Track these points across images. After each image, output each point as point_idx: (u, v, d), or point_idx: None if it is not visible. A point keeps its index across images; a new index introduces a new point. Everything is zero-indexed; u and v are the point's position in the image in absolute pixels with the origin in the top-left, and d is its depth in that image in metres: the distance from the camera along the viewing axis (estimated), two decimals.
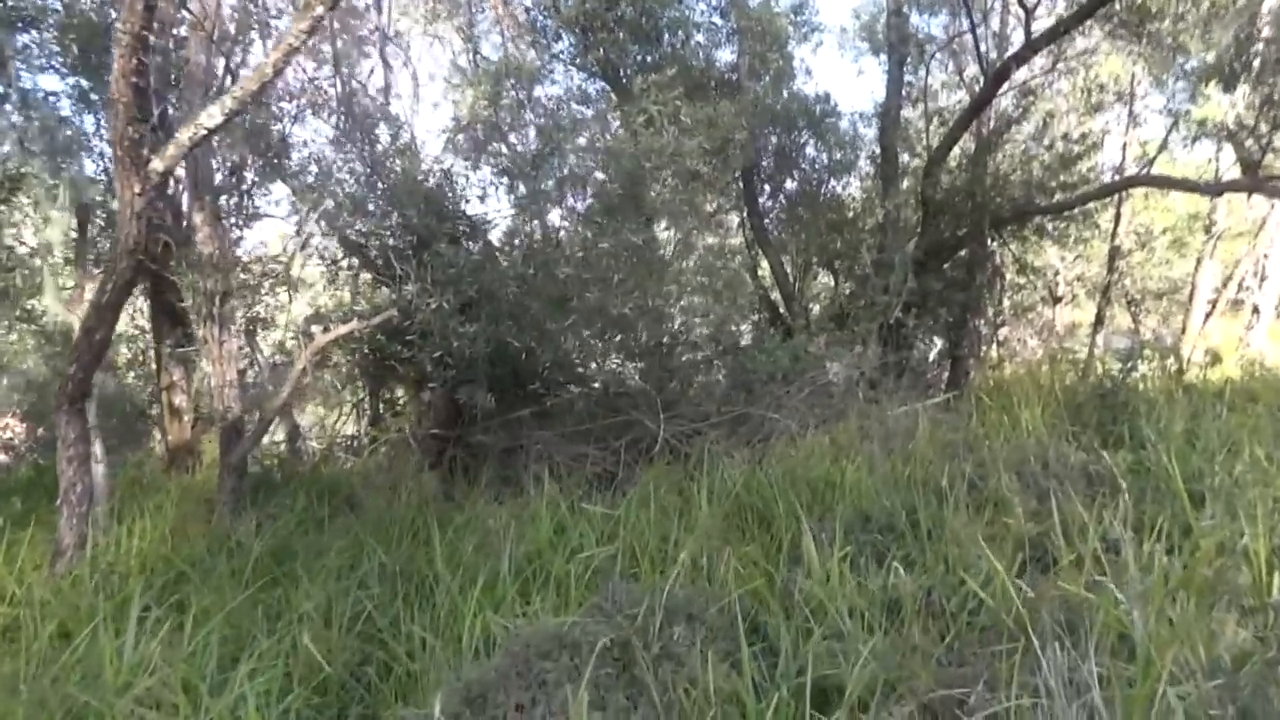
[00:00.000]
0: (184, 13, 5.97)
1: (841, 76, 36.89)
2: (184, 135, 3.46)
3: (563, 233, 6.54)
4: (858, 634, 3.15)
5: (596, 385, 7.24)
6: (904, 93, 10.36)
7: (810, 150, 11.47)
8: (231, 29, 6.50)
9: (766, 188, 11.78)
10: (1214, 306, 11.42)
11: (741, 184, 11.65)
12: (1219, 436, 4.98)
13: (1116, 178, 9.45)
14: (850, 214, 10.77)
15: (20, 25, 6.91)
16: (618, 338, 6.14)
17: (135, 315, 9.94)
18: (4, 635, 4.24)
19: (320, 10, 3.14)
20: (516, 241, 6.08)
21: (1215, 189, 7.47)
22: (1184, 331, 11.15)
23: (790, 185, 11.71)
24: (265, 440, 8.94)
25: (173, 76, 6.63)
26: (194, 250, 6.14)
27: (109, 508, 6.09)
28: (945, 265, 9.48)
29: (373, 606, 4.07)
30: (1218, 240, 11.17)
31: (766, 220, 11.72)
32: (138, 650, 3.38)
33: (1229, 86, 6.50)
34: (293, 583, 4.41)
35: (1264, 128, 6.62)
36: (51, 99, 6.45)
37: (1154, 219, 11.72)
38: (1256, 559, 3.45)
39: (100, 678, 3.20)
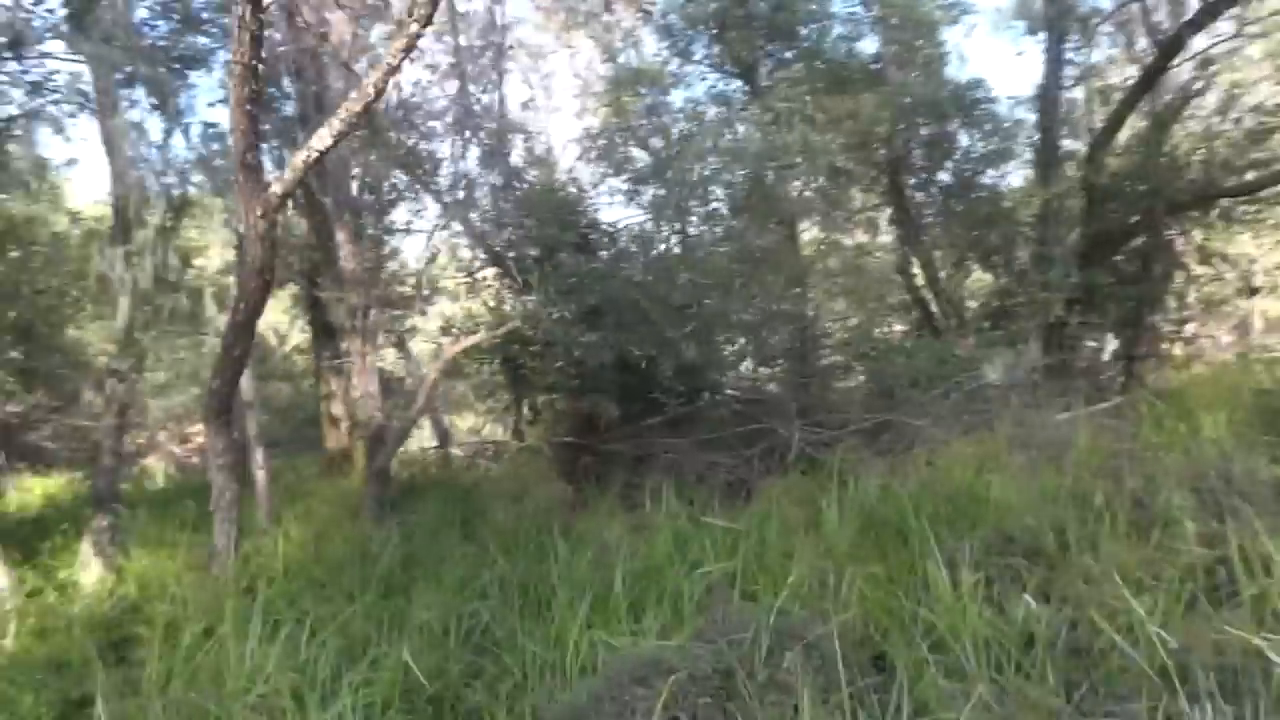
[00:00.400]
0: (323, 44, 6.27)
1: (999, 60, 34.86)
2: (298, 159, 3.59)
3: (684, 238, 6.42)
4: (982, 672, 2.85)
5: (730, 392, 7.06)
6: (1065, 73, 9.56)
7: (964, 140, 10.82)
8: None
9: (916, 181, 11.21)
10: None
11: (889, 178, 11.16)
12: None
13: None
14: (1007, 205, 10.04)
15: (192, 64, 7.48)
16: (744, 344, 5.93)
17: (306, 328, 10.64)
18: (166, 632, 4.56)
19: (415, 29, 3.17)
20: (634, 249, 5.99)
21: None
22: None
23: (942, 177, 11.10)
24: (417, 446, 9.35)
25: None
26: (337, 267, 6.46)
27: (268, 512, 6.49)
28: (1115, 257, 8.66)
29: (489, 618, 4.10)
30: None
31: (917, 215, 11.16)
32: (257, 655, 3.52)
33: None
34: (418, 591, 4.51)
35: None
36: (215, 129, 6.93)
37: None
38: None
39: (224, 681, 3.34)
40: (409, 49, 3.27)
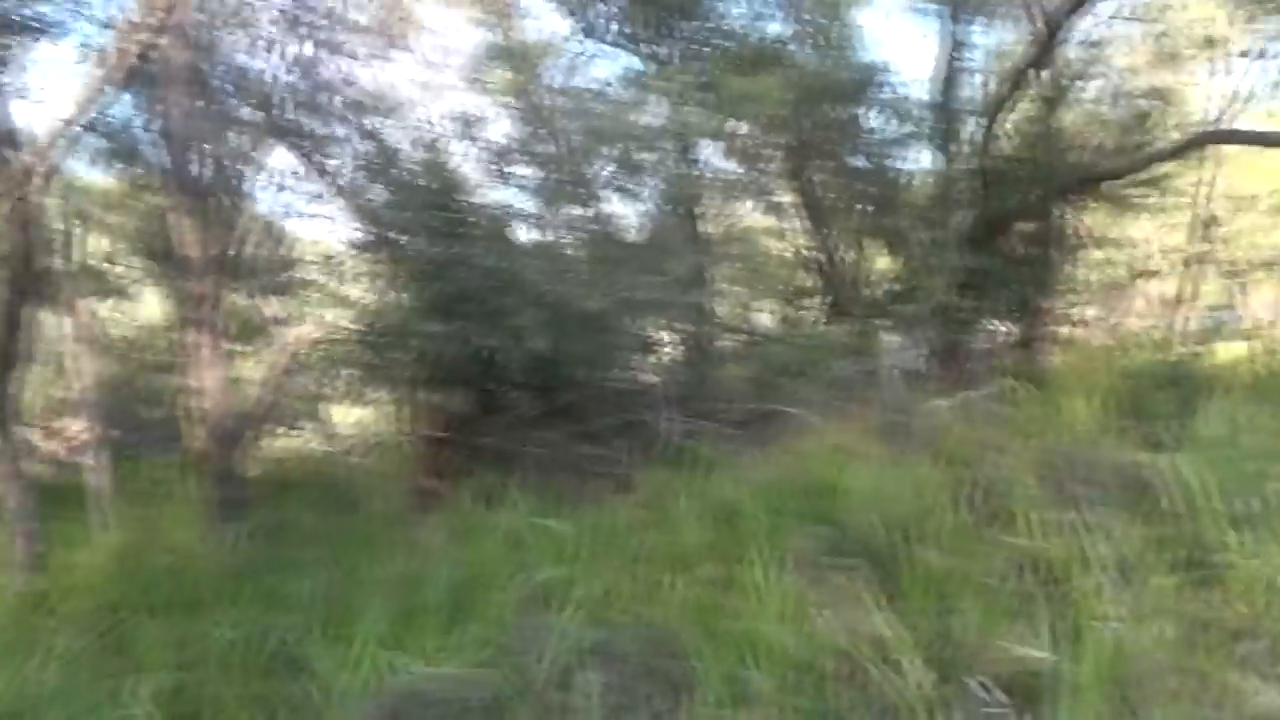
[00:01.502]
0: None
1: (913, 43, 35.04)
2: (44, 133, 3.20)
3: (560, 223, 6.11)
4: (775, 694, 2.63)
5: (604, 383, 6.80)
6: (967, 55, 9.46)
7: (871, 122, 10.69)
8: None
9: (820, 164, 11.05)
10: None
11: (793, 161, 10.98)
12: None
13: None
14: (908, 188, 9.93)
15: None
16: (614, 334, 5.66)
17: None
18: None
19: None
20: (507, 235, 5.66)
21: None
22: None
23: (845, 160, 10.96)
24: (299, 443, 8.89)
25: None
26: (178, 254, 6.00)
27: (104, 519, 6.02)
28: (1005, 240, 8.60)
29: (294, 636, 3.77)
30: None
31: (821, 198, 11.01)
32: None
33: None
34: (224, 606, 4.15)
35: None
36: None
37: (1245, 181, 10.42)
38: None
39: None
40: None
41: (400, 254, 5.30)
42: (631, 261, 6.49)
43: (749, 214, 12.88)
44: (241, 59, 7.15)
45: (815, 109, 10.65)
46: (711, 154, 11.16)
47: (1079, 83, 8.12)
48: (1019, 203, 7.88)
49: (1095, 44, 8.18)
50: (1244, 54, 8.08)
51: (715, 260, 9.96)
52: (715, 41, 10.71)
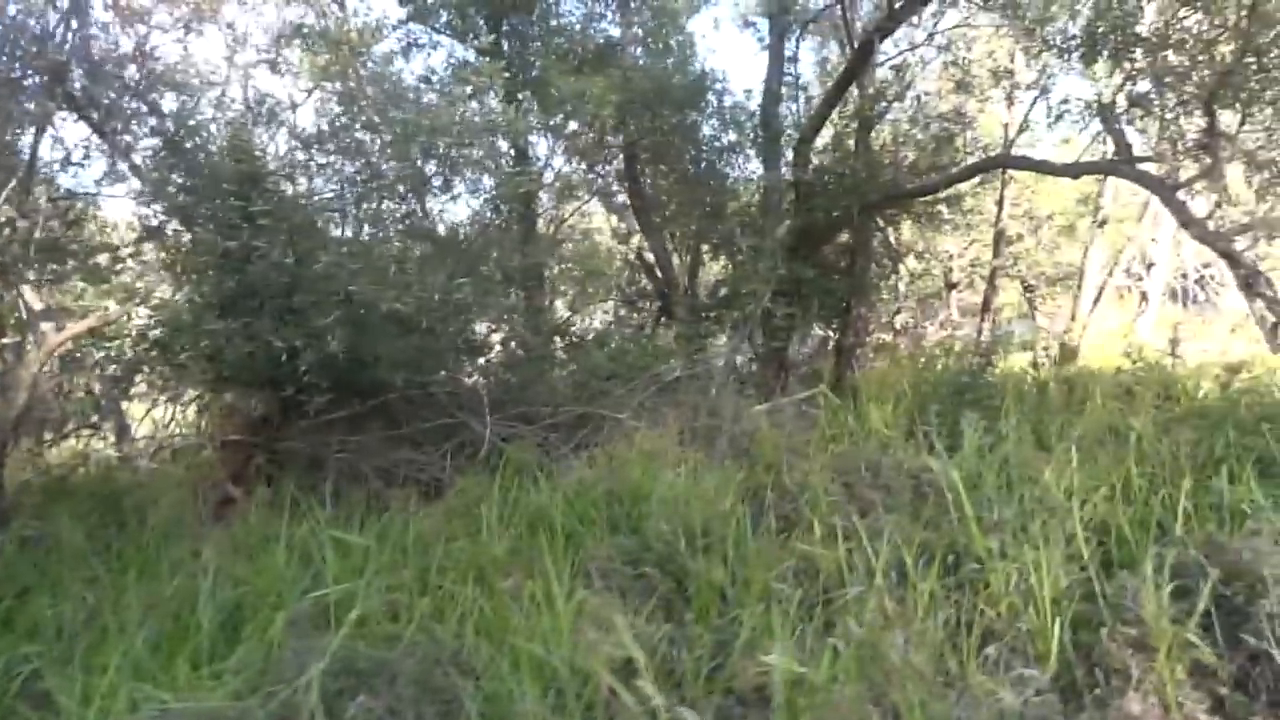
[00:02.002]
0: None
1: (745, 53, 36.38)
2: None
3: (367, 217, 5.83)
4: (541, 714, 2.58)
5: (421, 386, 6.57)
6: (791, 69, 9.82)
7: (703, 129, 10.88)
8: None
9: (651, 168, 11.18)
10: (1100, 293, 11.15)
11: (625, 163, 11.06)
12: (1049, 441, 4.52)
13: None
14: (734, 196, 10.20)
15: None
16: (421, 335, 5.45)
17: None
18: None
19: None
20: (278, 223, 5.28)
21: (1072, 171, 7.04)
22: (1073, 318, 10.87)
23: (677, 165, 11.12)
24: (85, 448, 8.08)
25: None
26: None
27: None
28: (821, 250, 8.97)
29: (42, 666, 3.40)
30: (1104, 225, 10.87)
31: (651, 202, 11.15)
32: None
33: (1089, 60, 6.05)
34: None
35: (1123, 104, 6.20)
36: None
37: (1038, 203, 11.39)
38: (1040, 603, 2.96)
39: None
40: None
41: (194, 242, 4.90)
42: (453, 260, 6.30)
43: (583, 215, 12.95)
44: (26, 19, 6.51)
45: (647, 113, 10.79)
46: (544, 152, 11.13)
47: (886, 104, 8.55)
48: (833, 215, 8.22)
49: (901, 68, 8.66)
50: (1029, 87, 8.78)
51: (545, 261, 9.91)
52: (548, 38, 10.70)
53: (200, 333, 4.60)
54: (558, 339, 7.77)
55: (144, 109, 6.80)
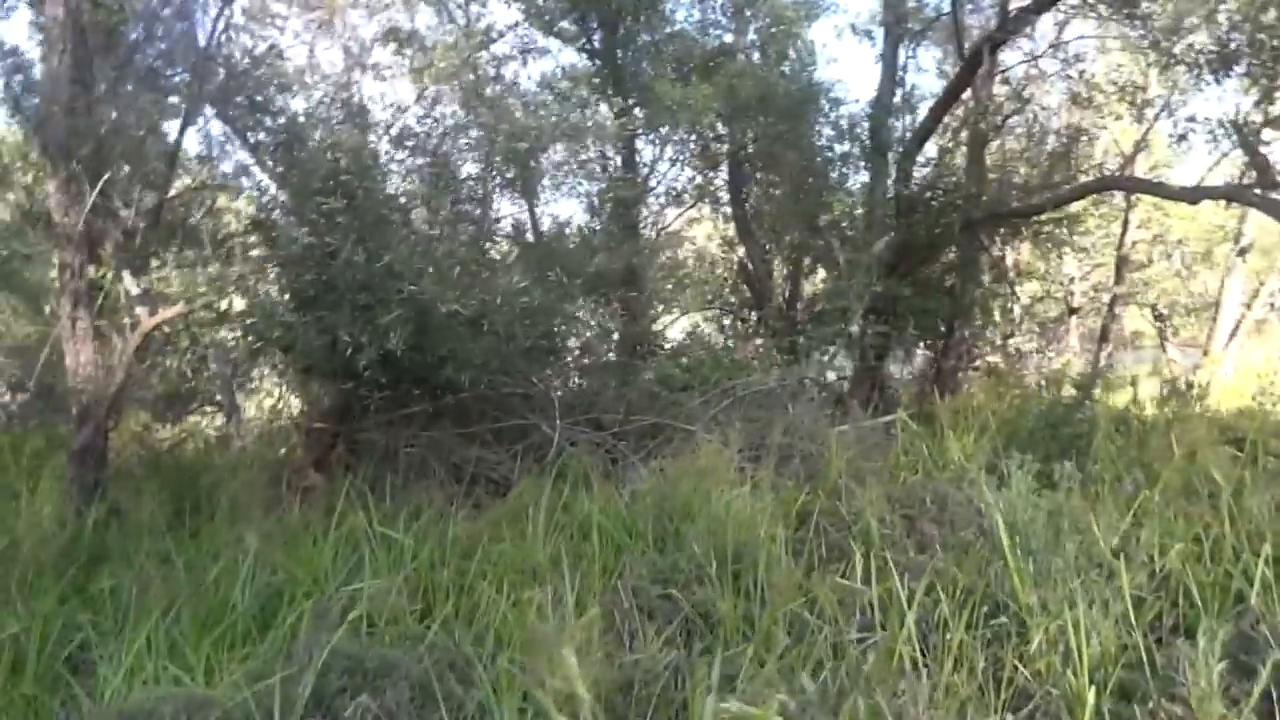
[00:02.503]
0: None
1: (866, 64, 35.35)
2: None
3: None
4: None
5: (499, 386, 6.66)
6: (901, 80, 9.47)
7: (812, 139, 10.63)
8: None
9: (757, 177, 11.03)
10: (1238, 326, 10.23)
11: (729, 171, 10.94)
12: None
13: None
14: (838, 209, 9.92)
15: None
16: (492, 337, 5.51)
17: None
18: None
19: None
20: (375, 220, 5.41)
21: (1190, 195, 6.45)
22: (1205, 353, 10.02)
23: (782, 175, 10.92)
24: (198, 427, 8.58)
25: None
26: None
27: None
28: (922, 268, 8.60)
29: (90, 636, 3.60)
30: (1245, 253, 9.98)
31: (754, 211, 11.01)
32: None
33: (1221, 74, 5.54)
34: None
35: (1258, 121, 5.64)
36: None
37: (1170, 226, 10.55)
38: (1079, 666, 2.71)
39: None
40: None
41: (280, 237, 5.12)
42: (532, 264, 6.35)
43: (690, 223, 12.91)
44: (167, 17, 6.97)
45: (754, 120, 10.64)
46: (650, 158, 11.14)
47: (999, 118, 8.12)
48: (935, 232, 7.86)
49: (1019, 82, 8.19)
50: (1154, 104, 8.12)
51: (642, 267, 9.91)
52: (661, 44, 10.69)
53: (277, 324, 4.79)
54: (637, 347, 7.72)
55: (273, 108, 7.16)
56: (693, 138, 11.26)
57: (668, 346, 7.79)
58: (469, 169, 5.92)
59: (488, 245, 5.87)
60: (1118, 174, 7.48)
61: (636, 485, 5.19)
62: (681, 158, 11.39)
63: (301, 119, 6.76)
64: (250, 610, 3.65)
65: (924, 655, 3.08)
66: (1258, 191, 5.65)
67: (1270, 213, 5.65)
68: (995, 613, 3.15)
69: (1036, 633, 2.96)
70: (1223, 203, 8.07)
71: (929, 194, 8.19)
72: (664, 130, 11.14)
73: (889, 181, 8.53)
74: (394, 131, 6.13)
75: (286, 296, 5.11)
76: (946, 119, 8.22)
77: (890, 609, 3.33)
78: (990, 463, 5.72)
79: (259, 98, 7.09)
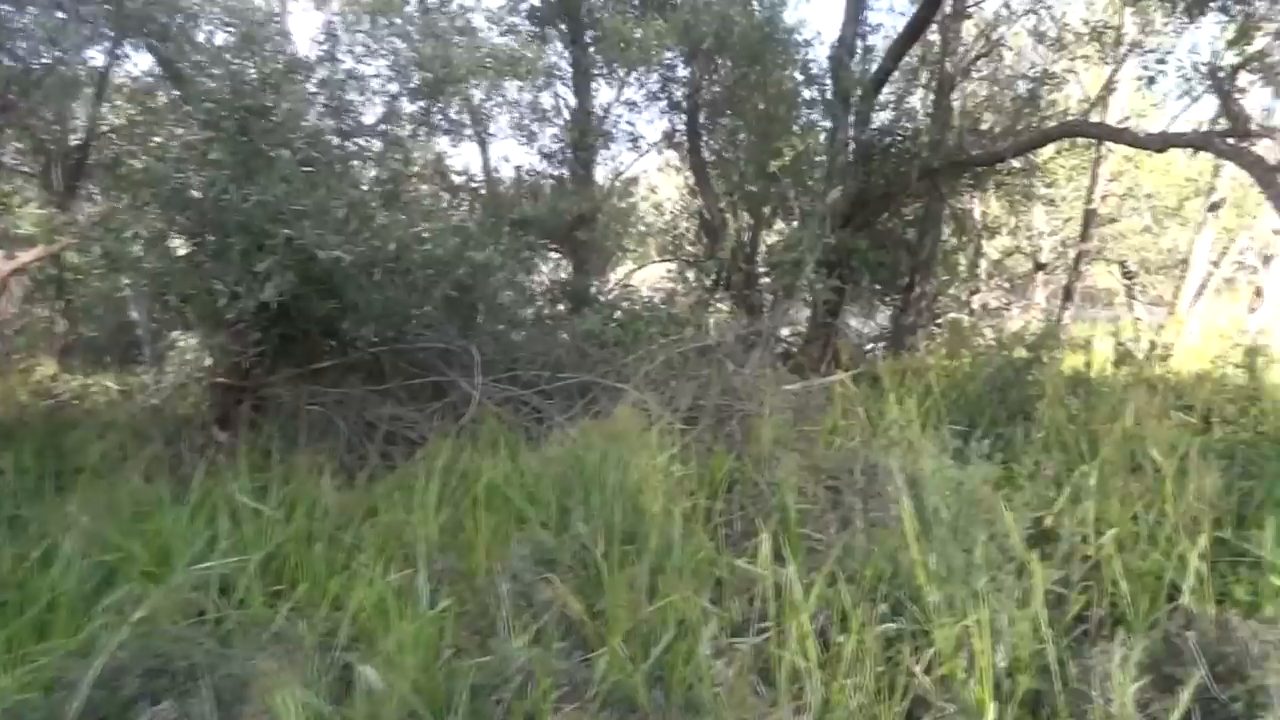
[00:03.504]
0: None
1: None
2: None
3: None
4: None
5: (421, 339, 6.24)
6: (862, 19, 8.91)
7: (770, 82, 10.07)
8: None
9: (711, 122, 10.48)
10: (1204, 285, 9.90)
11: (686, 115, 10.40)
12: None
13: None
14: (796, 156, 9.40)
15: None
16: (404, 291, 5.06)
17: None
18: None
19: None
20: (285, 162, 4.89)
21: (1158, 143, 6.01)
22: (1171, 312, 9.70)
23: (741, 120, 10.38)
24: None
25: None
26: None
27: None
28: (880, 219, 8.16)
29: None
30: (1217, 209, 9.60)
31: (712, 159, 10.48)
32: None
33: (1194, 12, 5.07)
34: None
35: (1230, 62, 5.19)
36: None
37: (1140, 180, 10.14)
38: (982, 675, 2.36)
39: None
40: None
41: (146, 172, 4.61)
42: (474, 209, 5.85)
43: (653, 170, 12.40)
44: None
45: (714, 61, 10.10)
46: (607, 101, 10.60)
47: (958, 59, 7.61)
48: (893, 180, 7.40)
49: (980, 21, 7.66)
50: (1123, 45, 7.62)
51: (590, 216, 9.43)
52: None
53: (142, 269, 4.31)
54: (579, 301, 7.28)
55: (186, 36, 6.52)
56: (653, 79, 10.74)
57: (604, 300, 7.33)
58: (372, 102, 5.33)
59: (403, 189, 5.34)
60: (1077, 120, 7.02)
61: (545, 450, 4.79)
62: (638, 101, 10.87)
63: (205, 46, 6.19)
64: (78, 594, 3.24)
65: (825, 653, 2.74)
66: (1230, 141, 5.23)
67: (1239, 163, 5.24)
68: (900, 609, 2.79)
69: (944, 635, 2.60)
70: (1195, 155, 7.65)
71: (887, 140, 7.70)
72: (620, 71, 10.63)
73: (849, 128, 8.02)
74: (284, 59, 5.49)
75: (144, 238, 4.59)
76: (910, 60, 7.70)
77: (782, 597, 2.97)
78: (936, 428, 5.41)
79: (168, 24, 6.51)
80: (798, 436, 5.26)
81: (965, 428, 5.52)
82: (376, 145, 5.20)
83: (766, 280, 9.43)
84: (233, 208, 4.25)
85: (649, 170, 12.23)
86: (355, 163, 4.88)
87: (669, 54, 10.30)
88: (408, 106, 6.23)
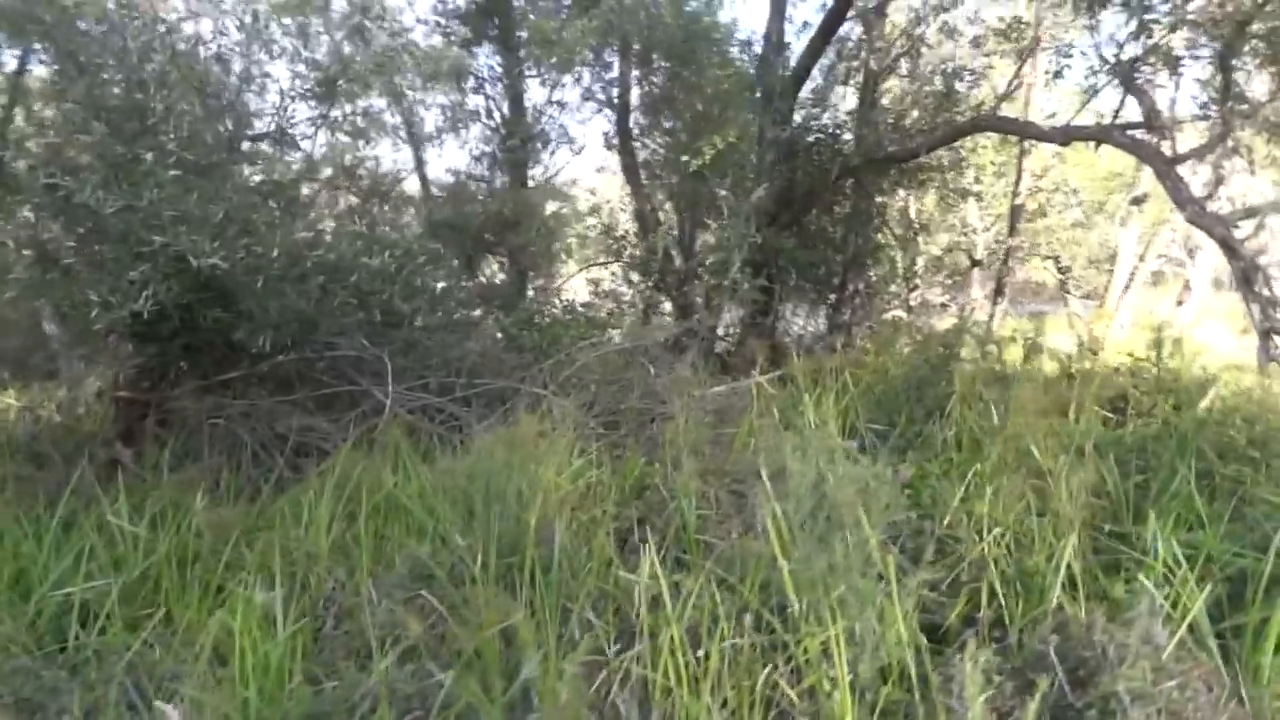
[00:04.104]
0: None
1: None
2: None
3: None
4: None
5: (333, 347, 6.06)
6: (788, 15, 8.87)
7: (702, 80, 10.00)
8: None
9: (642, 121, 10.40)
10: (1132, 278, 10.02)
11: (616, 114, 10.32)
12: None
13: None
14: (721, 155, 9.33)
15: None
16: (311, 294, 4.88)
17: None
18: None
19: None
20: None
21: (1061, 136, 6.03)
22: (1101, 304, 9.80)
23: (674, 119, 10.31)
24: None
25: None
26: None
27: None
28: (808, 218, 8.12)
29: None
30: (1140, 203, 9.72)
31: (643, 159, 10.40)
32: None
33: (1095, 6, 5.08)
34: None
35: (1133, 55, 5.20)
36: None
37: (1066, 175, 10.24)
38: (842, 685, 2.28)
39: None
40: None
41: (28, 179, 4.40)
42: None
43: (575, 170, 12.29)
44: None
45: (645, 61, 10.04)
46: (533, 101, 10.50)
47: (869, 56, 7.59)
48: (817, 179, 7.36)
49: (898, 20, 7.66)
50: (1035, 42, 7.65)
51: (520, 218, 9.30)
52: None
53: (16, 280, 4.11)
54: (491, 300, 7.15)
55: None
56: (585, 79, 10.65)
57: (526, 305, 7.21)
58: (259, 101, 5.14)
59: (294, 193, 5.16)
60: (985, 114, 7.02)
61: (444, 460, 4.65)
62: (568, 103, 10.77)
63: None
64: None
65: (697, 665, 2.65)
66: (1129, 133, 5.25)
67: (1139, 155, 5.26)
68: (771, 617, 2.71)
69: (811, 644, 2.52)
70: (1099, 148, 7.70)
71: (810, 139, 7.66)
72: (552, 72, 10.51)
73: (774, 125, 7.97)
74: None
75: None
76: (830, 58, 7.67)
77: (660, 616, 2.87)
78: (852, 428, 5.37)
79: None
80: (713, 440, 5.18)
81: (884, 426, 5.55)
82: (264, 147, 5.00)
83: (696, 282, 9.37)
84: (96, 214, 4.05)
85: (587, 172, 12.15)
86: (239, 165, 4.66)
87: (604, 54, 10.24)
88: (305, 109, 6.06)
